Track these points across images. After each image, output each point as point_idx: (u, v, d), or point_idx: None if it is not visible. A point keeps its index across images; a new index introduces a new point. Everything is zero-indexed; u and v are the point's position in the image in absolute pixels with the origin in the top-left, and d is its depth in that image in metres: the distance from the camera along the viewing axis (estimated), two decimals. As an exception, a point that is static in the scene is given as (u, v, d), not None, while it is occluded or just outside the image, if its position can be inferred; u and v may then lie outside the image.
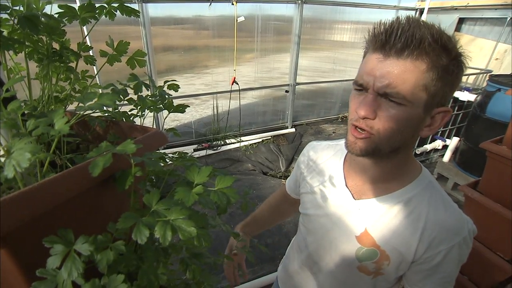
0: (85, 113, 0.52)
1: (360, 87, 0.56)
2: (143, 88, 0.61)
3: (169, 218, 0.34)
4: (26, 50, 0.47)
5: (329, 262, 0.73)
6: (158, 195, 0.38)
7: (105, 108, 0.54)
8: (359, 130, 0.57)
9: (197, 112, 3.94)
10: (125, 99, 0.55)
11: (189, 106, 0.73)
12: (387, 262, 0.64)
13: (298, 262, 0.83)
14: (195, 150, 3.67)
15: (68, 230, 0.33)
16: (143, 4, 2.80)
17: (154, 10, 2.96)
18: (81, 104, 0.31)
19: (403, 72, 0.50)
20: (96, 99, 0.33)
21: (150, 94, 0.62)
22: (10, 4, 0.44)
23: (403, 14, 4.40)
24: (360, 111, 0.54)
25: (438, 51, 0.50)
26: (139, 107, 0.59)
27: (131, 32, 2.97)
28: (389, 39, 0.51)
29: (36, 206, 0.29)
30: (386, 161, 0.62)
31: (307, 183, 0.80)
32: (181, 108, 0.68)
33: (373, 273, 0.67)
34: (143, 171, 0.42)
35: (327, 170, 0.76)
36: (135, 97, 0.60)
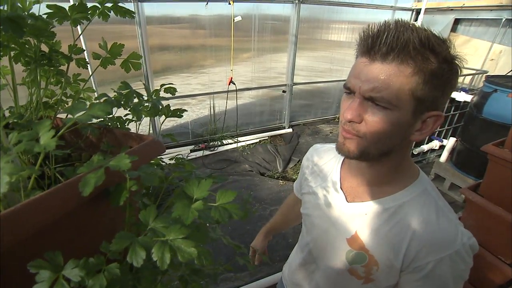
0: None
1: (348, 90, 0.57)
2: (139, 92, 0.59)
3: (168, 238, 0.32)
4: (12, 53, 0.43)
5: (324, 262, 0.74)
6: (155, 211, 0.36)
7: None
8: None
9: (193, 112, 3.90)
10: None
11: (186, 111, 0.70)
12: (376, 268, 0.63)
13: (300, 260, 0.85)
14: (192, 150, 3.63)
15: (57, 253, 0.30)
16: (139, 3, 2.75)
17: (150, 9, 2.91)
18: (70, 116, 0.28)
19: (388, 77, 0.50)
20: (86, 110, 0.30)
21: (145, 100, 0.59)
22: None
23: (399, 14, 4.41)
24: (346, 114, 0.55)
25: (425, 54, 0.49)
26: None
27: (126, 31, 2.92)
28: (375, 43, 0.51)
29: (20, 230, 0.26)
30: (379, 165, 0.62)
31: (308, 184, 0.82)
32: (179, 113, 0.66)
33: (364, 278, 0.66)
34: (139, 185, 0.39)
35: (326, 172, 0.78)
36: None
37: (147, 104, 0.56)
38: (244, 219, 0.71)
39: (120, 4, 0.51)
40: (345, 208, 0.69)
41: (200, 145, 3.70)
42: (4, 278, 0.29)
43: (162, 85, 0.70)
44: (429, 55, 0.49)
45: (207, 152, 3.65)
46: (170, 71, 3.54)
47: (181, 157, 0.72)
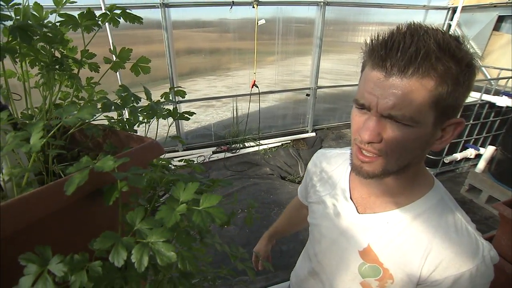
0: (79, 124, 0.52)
1: (362, 106, 0.51)
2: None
3: (149, 241, 0.32)
4: (27, 58, 0.47)
5: (334, 274, 0.72)
6: (143, 212, 0.36)
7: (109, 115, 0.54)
8: (365, 152, 0.53)
9: (217, 114, 3.98)
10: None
11: (195, 113, 0.71)
12: (390, 281, 0.60)
13: (308, 270, 0.83)
14: (214, 152, 3.70)
15: (46, 247, 0.32)
16: (166, 8, 2.88)
17: (176, 14, 3.03)
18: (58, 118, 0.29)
19: (409, 93, 0.45)
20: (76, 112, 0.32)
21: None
22: (13, 14, 0.44)
23: (433, 14, 4.16)
24: (363, 135, 0.50)
25: (447, 62, 0.44)
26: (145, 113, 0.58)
27: (155, 36, 3.06)
28: (389, 55, 0.45)
29: (6, 225, 0.28)
30: (395, 177, 0.58)
31: (315, 192, 0.80)
32: (186, 116, 0.67)
33: None
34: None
35: (334, 179, 0.75)
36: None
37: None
38: (250, 224, 0.70)
39: (127, 11, 0.53)
40: (356, 220, 0.66)
41: (222, 147, 3.76)
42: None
43: (171, 88, 0.72)
44: (450, 62, 0.45)
45: (228, 154, 3.70)
46: (196, 73, 3.65)
47: (193, 158, 0.74)
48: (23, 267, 0.30)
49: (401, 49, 0.44)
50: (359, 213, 0.65)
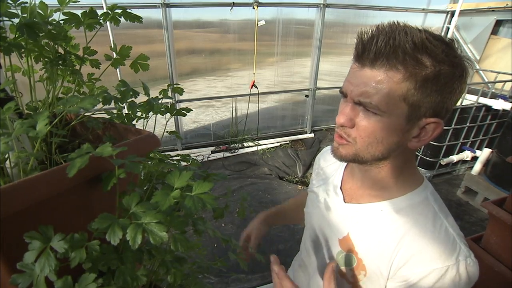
0: (86, 114, 0.55)
1: (343, 94, 0.57)
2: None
3: (143, 222, 0.35)
4: (32, 54, 0.50)
5: (318, 261, 0.75)
6: (138, 197, 0.39)
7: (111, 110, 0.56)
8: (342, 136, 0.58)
9: (217, 114, 4.01)
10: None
11: (192, 110, 0.74)
12: (363, 272, 0.62)
13: (298, 262, 0.87)
14: (212, 152, 3.72)
15: (49, 227, 0.35)
16: (167, 8, 2.91)
17: (176, 14, 3.07)
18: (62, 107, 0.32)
19: (377, 83, 0.50)
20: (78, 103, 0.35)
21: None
22: (20, 12, 0.47)
23: (432, 17, 4.20)
24: (338, 118, 0.56)
25: (419, 58, 0.47)
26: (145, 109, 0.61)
27: (155, 36, 3.09)
28: (364, 49, 0.50)
29: (14, 203, 0.31)
30: (377, 169, 0.61)
31: (312, 184, 0.85)
32: (183, 112, 0.70)
33: (352, 283, 0.65)
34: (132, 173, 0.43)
35: (328, 174, 0.79)
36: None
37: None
38: (242, 216, 0.73)
39: (128, 10, 0.56)
40: (341, 209, 0.69)
41: (221, 146, 3.79)
42: (5, 244, 0.34)
43: (169, 85, 0.75)
44: (423, 59, 0.47)
45: (227, 154, 3.72)
46: (197, 73, 3.68)
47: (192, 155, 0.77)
48: (27, 245, 0.33)
49: (374, 43, 0.49)
50: (345, 202, 0.68)
